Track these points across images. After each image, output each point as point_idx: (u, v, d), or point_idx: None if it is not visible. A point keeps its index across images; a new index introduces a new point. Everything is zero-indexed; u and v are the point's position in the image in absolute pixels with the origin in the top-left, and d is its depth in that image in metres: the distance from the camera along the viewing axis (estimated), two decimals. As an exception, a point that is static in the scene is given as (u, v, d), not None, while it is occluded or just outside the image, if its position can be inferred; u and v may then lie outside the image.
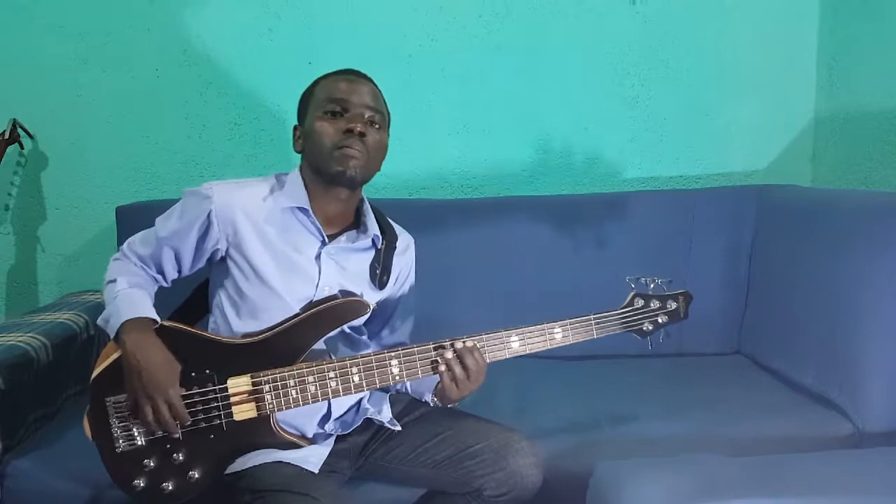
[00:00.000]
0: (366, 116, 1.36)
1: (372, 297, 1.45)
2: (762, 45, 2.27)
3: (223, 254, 1.39)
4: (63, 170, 2.25)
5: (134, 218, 1.95)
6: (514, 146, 2.29)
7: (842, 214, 1.71)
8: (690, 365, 2.00)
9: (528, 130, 2.28)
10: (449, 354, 1.33)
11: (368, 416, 1.44)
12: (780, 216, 1.97)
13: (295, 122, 1.45)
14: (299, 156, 1.45)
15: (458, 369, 1.33)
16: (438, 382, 1.39)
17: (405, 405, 1.50)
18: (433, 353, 1.35)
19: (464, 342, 1.34)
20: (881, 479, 1.21)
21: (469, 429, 1.41)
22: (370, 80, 1.43)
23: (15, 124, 2.14)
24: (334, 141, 1.34)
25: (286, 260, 1.37)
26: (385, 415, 1.45)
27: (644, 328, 1.41)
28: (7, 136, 2.12)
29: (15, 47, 2.20)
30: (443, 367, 1.34)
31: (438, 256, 2.03)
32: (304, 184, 1.40)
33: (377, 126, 1.39)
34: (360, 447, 1.45)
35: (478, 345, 1.35)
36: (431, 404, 1.46)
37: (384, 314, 1.54)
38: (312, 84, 1.43)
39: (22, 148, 2.20)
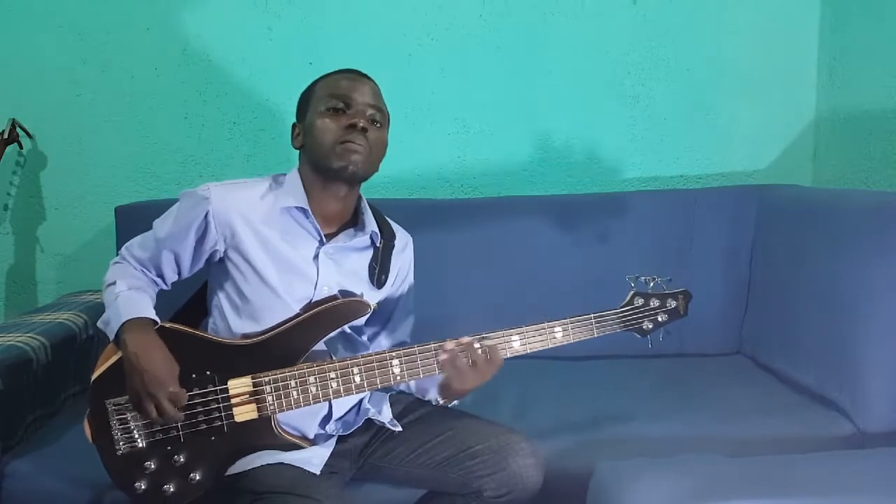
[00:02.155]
0: (367, 114, 1.36)
1: (371, 296, 1.44)
2: (763, 45, 2.26)
3: (221, 255, 1.38)
4: (62, 169, 2.25)
5: (133, 218, 1.94)
6: (513, 146, 2.28)
7: (843, 214, 1.71)
8: (691, 365, 2.00)
9: (528, 130, 2.28)
10: (450, 346, 1.33)
11: (369, 417, 1.43)
12: (781, 216, 1.96)
13: (293, 120, 1.45)
14: (296, 156, 1.44)
15: (461, 360, 1.32)
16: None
17: (405, 406, 1.50)
18: (434, 352, 1.34)
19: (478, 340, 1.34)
20: (882, 479, 1.20)
21: (469, 429, 1.41)
22: (371, 79, 1.43)
23: (14, 124, 2.14)
24: (337, 136, 1.34)
25: (284, 260, 1.37)
26: (385, 415, 1.45)
27: (644, 327, 1.42)
28: (6, 135, 2.11)
29: (14, 47, 2.20)
30: (444, 356, 1.33)
31: (438, 256, 2.03)
32: (303, 183, 1.40)
33: (378, 124, 1.39)
34: (361, 448, 1.45)
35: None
36: (435, 403, 1.45)
37: (384, 314, 1.53)
38: (313, 83, 1.43)
39: (21, 148, 2.20)
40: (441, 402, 1.45)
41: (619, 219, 2.07)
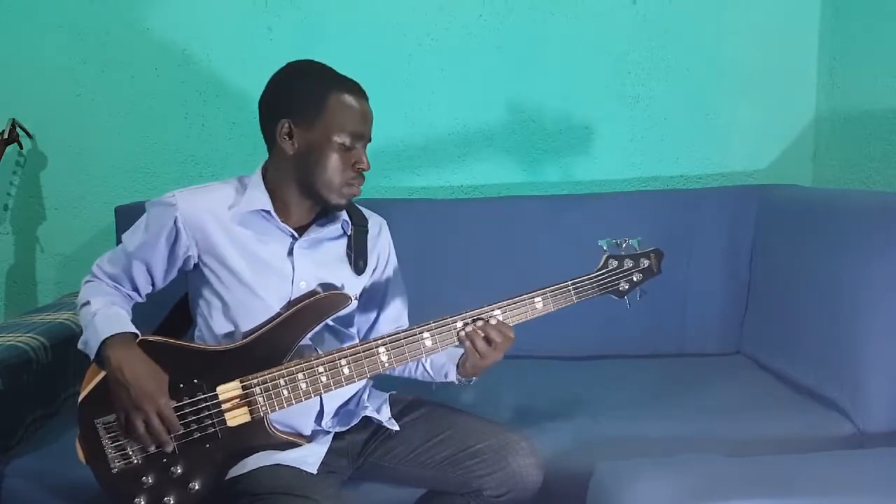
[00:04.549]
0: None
1: (353, 283, 1.44)
2: (763, 45, 2.26)
3: (196, 260, 1.38)
4: (62, 169, 2.25)
5: (133, 217, 1.91)
6: (513, 146, 2.28)
7: (843, 214, 1.71)
8: (691, 365, 2.00)
9: (528, 130, 2.28)
10: (470, 328, 1.34)
11: (367, 415, 1.43)
12: (781, 216, 1.96)
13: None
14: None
15: (480, 342, 1.33)
16: (462, 355, 1.39)
17: (405, 405, 1.50)
18: (418, 336, 1.34)
19: (474, 318, 1.35)
20: (882, 479, 1.20)
21: (469, 429, 1.41)
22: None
23: (14, 124, 2.14)
24: (345, 178, 1.34)
25: (258, 260, 1.36)
26: (384, 414, 1.45)
27: (620, 288, 1.43)
28: (6, 135, 2.12)
29: (15, 47, 2.20)
30: (463, 333, 1.34)
31: (438, 256, 2.03)
32: (270, 186, 1.38)
33: None
34: (359, 446, 1.45)
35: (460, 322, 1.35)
36: (457, 382, 1.45)
37: (377, 300, 1.53)
38: (323, 89, 1.33)
39: (21, 147, 2.20)
40: (462, 380, 1.44)
41: (620, 219, 2.06)
